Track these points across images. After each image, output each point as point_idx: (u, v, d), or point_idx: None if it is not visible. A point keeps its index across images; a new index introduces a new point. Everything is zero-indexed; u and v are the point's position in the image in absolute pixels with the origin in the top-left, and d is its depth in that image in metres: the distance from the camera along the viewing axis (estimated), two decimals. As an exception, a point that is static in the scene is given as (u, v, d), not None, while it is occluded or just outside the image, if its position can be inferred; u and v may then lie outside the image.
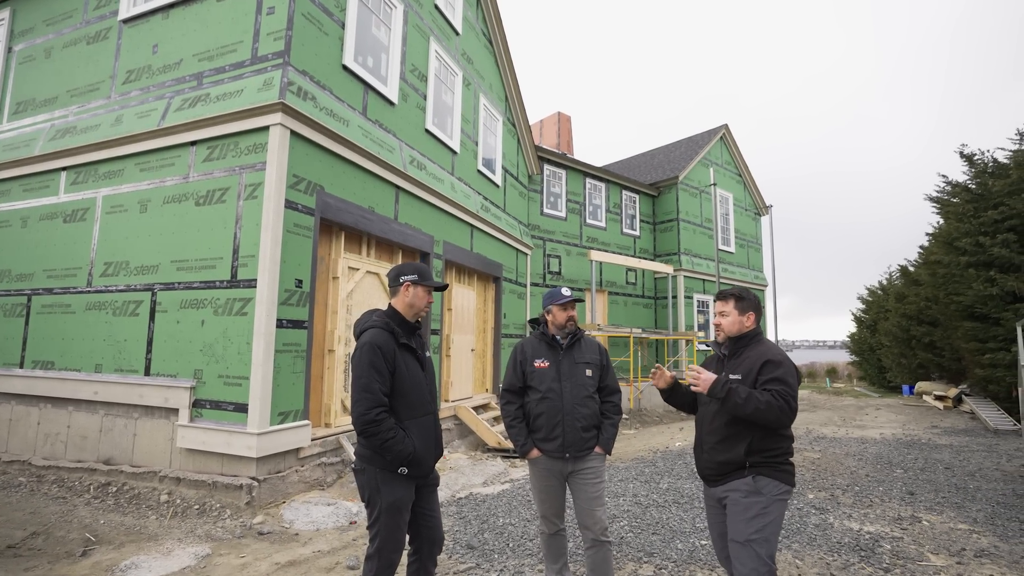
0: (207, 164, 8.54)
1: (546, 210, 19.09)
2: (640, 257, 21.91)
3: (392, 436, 3.81)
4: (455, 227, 12.40)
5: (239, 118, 8.33)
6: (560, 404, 4.75)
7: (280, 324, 8.33)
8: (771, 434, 4.00)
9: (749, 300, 4.26)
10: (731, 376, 4.19)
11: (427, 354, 4.30)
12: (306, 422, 8.60)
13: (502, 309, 14.80)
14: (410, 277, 4.16)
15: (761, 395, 3.94)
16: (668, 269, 21.11)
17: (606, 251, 20.48)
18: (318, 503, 8.36)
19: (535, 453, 4.85)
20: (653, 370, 4.52)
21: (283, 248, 8.32)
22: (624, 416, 17.10)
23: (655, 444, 12.40)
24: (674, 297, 21.48)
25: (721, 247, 23.96)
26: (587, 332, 16.77)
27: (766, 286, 26.35)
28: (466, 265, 12.95)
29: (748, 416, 3.95)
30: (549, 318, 4.90)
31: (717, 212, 22.05)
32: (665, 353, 21.10)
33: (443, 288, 4.49)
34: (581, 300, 5.05)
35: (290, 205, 8.40)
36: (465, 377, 12.98)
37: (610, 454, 5.20)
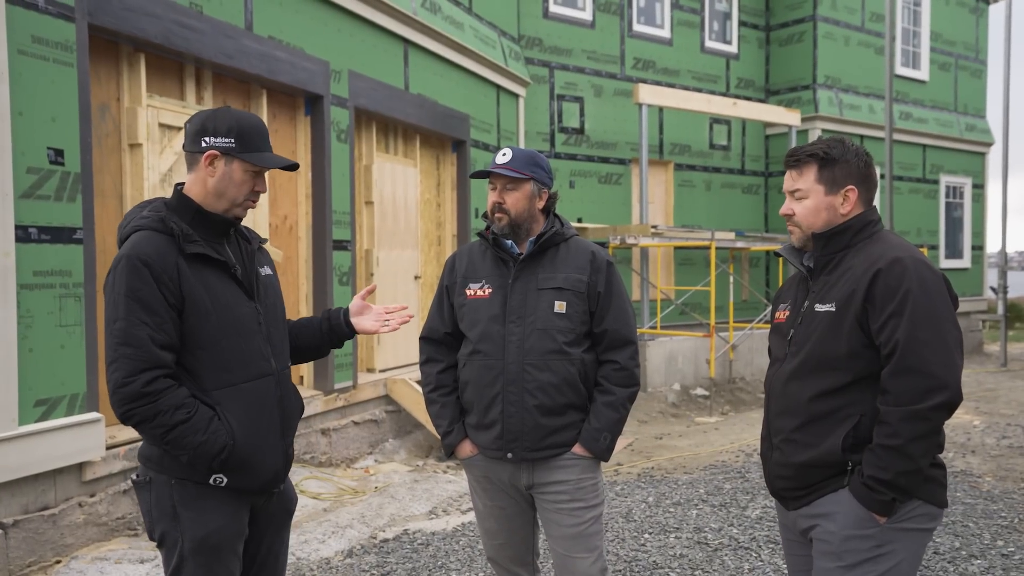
0: None
1: (554, 8, 11.87)
2: (738, 96, 13.89)
3: (182, 419, 2.22)
4: (372, 44, 7.71)
5: None
6: (500, 363, 2.86)
7: (25, 235, 4.52)
8: None
9: (847, 163, 2.42)
10: (819, 307, 2.35)
11: (265, 270, 2.53)
12: (95, 415, 4.88)
13: (470, 200, 9.60)
14: (220, 141, 2.33)
15: (894, 425, 2.16)
16: (792, 117, 13.14)
17: (672, 86, 12.97)
18: (124, 560, 4.79)
19: (467, 449, 2.97)
20: None
21: (15, 87, 4.41)
22: (699, 391, 11.19)
23: (750, 440, 8.09)
24: (803, 172, 13.75)
25: (901, 71, 15.16)
26: (628, 238, 11.39)
27: (990, 146, 17.28)
28: (398, 119, 8.12)
29: (916, 469, 2.20)
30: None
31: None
32: (780, 276, 13.51)
33: (290, 168, 2.47)
34: (520, 175, 2.87)
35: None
36: (405, 327, 8.55)
37: (606, 460, 2.95)
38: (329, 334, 2.71)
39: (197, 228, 2.34)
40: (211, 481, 2.31)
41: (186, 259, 2.29)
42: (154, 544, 4.93)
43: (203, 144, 2.33)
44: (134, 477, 2.41)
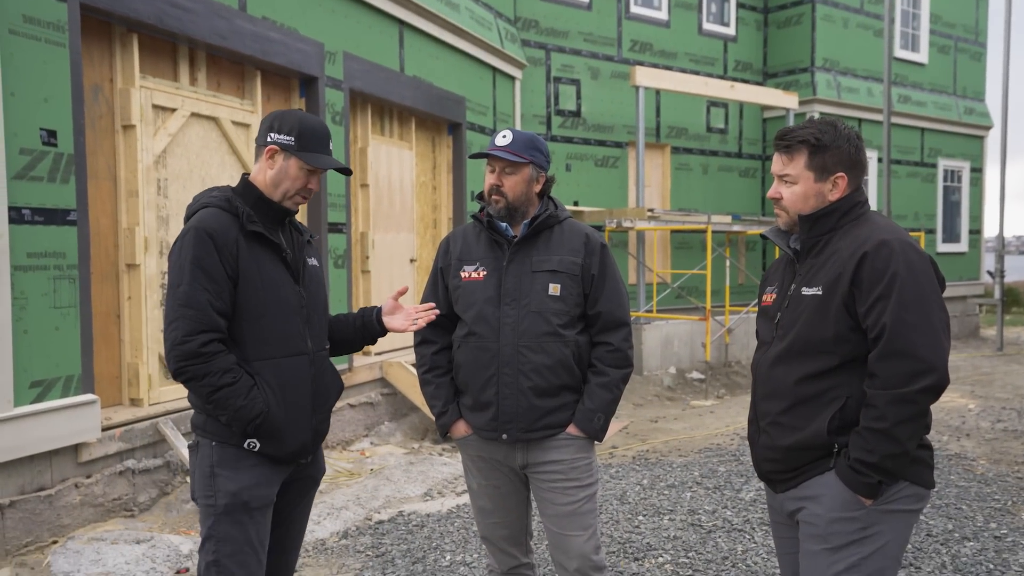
0: None
1: (550, -13, 11.55)
2: (735, 79, 13.77)
3: (228, 383, 2.43)
4: (367, 25, 7.66)
5: None
6: (495, 345, 2.86)
7: (18, 216, 4.49)
8: None
9: (838, 150, 2.35)
10: (805, 291, 2.32)
11: (312, 261, 2.76)
12: (90, 397, 4.85)
13: (466, 183, 9.48)
14: (282, 138, 2.58)
15: (881, 408, 2.15)
16: (790, 100, 12.99)
17: (669, 68, 12.81)
18: (120, 540, 4.76)
19: (462, 429, 2.97)
20: None
21: (7, 68, 4.37)
22: (694, 374, 11.22)
23: (745, 423, 8.05)
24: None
25: (900, 53, 15.07)
26: (624, 221, 11.17)
27: (989, 129, 17.15)
28: (393, 101, 8.01)
29: (902, 452, 2.18)
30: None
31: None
32: (775, 259, 14.24)
33: (341, 171, 2.72)
34: (520, 159, 2.86)
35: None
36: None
37: (600, 440, 2.95)
38: (362, 331, 2.90)
39: (257, 212, 2.58)
40: (245, 445, 2.51)
41: (245, 237, 2.52)
42: (149, 526, 4.99)
43: (268, 139, 2.60)
44: (189, 444, 2.65)
